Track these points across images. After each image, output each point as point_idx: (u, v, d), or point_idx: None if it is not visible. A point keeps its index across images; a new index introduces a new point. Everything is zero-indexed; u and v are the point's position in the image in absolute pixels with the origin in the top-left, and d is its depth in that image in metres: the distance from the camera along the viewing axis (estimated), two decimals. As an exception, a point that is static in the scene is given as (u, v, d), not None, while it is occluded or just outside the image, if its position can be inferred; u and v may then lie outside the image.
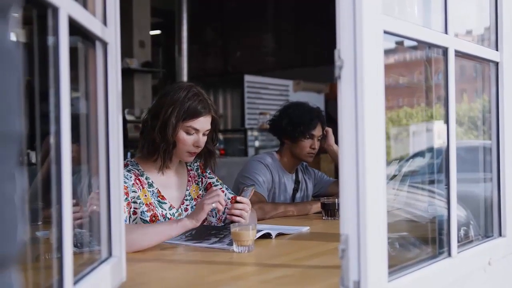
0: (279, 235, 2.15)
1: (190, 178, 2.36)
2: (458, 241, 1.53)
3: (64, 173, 1.00)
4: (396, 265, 1.31)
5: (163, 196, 2.22)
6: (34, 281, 1.17)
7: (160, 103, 2.19)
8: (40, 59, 1.02)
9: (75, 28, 1.10)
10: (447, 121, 1.51)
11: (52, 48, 1.00)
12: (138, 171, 2.20)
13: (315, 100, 6.54)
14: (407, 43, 1.54)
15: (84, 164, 1.38)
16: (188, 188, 2.34)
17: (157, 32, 10.08)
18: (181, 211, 2.27)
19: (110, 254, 1.35)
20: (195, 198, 2.34)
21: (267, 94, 8.00)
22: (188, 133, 2.18)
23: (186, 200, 2.31)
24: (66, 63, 1.01)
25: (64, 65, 1.01)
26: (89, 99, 1.36)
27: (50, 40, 1.01)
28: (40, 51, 1.03)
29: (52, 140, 0.99)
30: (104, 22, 1.33)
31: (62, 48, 1.00)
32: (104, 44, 1.33)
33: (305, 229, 2.32)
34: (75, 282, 1.08)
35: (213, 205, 1.97)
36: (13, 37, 0.59)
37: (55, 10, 0.99)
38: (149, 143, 2.19)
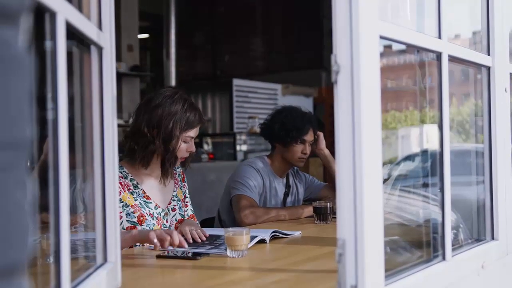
0: (274, 238, 2.16)
1: (176, 181, 2.43)
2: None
3: (61, 179, 0.99)
4: (392, 269, 1.32)
5: (148, 196, 2.27)
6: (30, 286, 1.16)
7: (155, 114, 2.20)
8: (37, 64, 1.01)
9: (71, 33, 1.10)
10: (441, 125, 1.51)
11: (50, 52, 0.99)
12: (122, 173, 2.21)
13: (304, 104, 6.54)
14: (396, 47, 1.55)
15: (78, 169, 1.37)
16: (175, 189, 2.40)
17: (145, 35, 10.06)
18: (168, 210, 2.33)
19: (105, 259, 1.34)
20: (181, 200, 2.42)
21: (256, 98, 7.99)
22: (185, 142, 2.26)
23: (174, 200, 2.38)
24: (63, 67, 1.00)
25: (62, 69, 1.00)
26: (84, 104, 1.35)
27: (47, 44, 1.00)
28: (36, 56, 1.02)
29: (50, 145, 0.98)
30: (99, 27, 1.33)
31: (60, 52, 0.99)
32: (100, 49, 1.32)
33: (298, 233, 2.33)
34: (72, 288, 1.07)
35: (155, 241, 1.88)
36: (23, 42, 0.59)
37: (53, 14, 0.98)
38: (149, 154, 2.22)
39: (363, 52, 1.15)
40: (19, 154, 0.56)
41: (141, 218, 2.18)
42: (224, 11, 9.70)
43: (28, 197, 0.57)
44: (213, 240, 2.11)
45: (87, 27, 1.19)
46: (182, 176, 2.50)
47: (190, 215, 2.45)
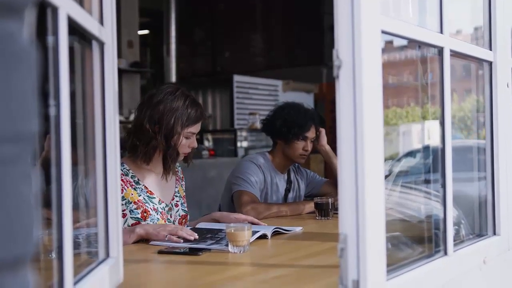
0: (275, 234, 2.16)
1: (177, 178, 2.45)
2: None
3: (64, 175, 0.99)
4: (394, 264, 1.32)
5: (151, 191, 2.28)
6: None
7: (156, 110, 2.22)
8: (39, 59, 1.01)
9: (73, 28, 1.10)
10: (442, 121, 1.51)
11: (52, 47, 0.99)
12: (122, 170, 2.22)
13: (304, 100, 6.53)
14: (397, 42, 1.55)
15: (79, 165, 1.37)
16: (176, 186, 2.42)
17: (145, 32, 10.06)
18: (172, 205, 2.35)
19: (107, 255, 1.34)
20: (182, 196, 2.44)
21: (256, 94, 7.99)
22: (186, 138, 2.27)
23: (176, 196, 2.40)
24: (65, 62, 1.00)
25: (64, 65, 1.00)
26: (86, 100, 1.35)
27: (49, 39, 1.00)
28: (38, 51, 1.02)
29: (52, 141, 0.98)
30: (101, 22, 1.32)
31: (62, 47, 0.99)
32: (101, 44, 1.32)
33: (299, 229, 2.33)
34: (75, 283, 1.07)
35: (167, 237, 2.00)
36: (28, 36, 0.59)
37: (55, 9, 0.98)
38: (151, 149, 2.24)
39: (364, 47, 1.15)
40: (24, 147, 0.56)
41: (145, 214, 2.20)
42: (224, 8, 9.69)
43: (33, 191, 0.57)
44: (214, 234, 2.11)
45: (88, 22, 1.19)
46: (182, 175, 2.52)
47: (182, 215, 2.45)
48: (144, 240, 2.13)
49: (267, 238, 2.09)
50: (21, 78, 0.56)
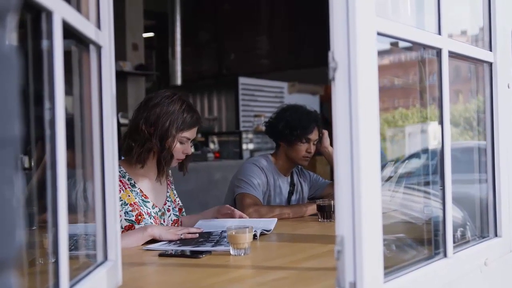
0: (261, 234, 2.19)
1: (169, 183, 2.47)
2: (454, 242, 1.53)
3: (59, 178, 0.99)
4: (392, 266, 1.31)
5: (145, 195, 2.30)
6: (30, 285, 1.17)
7: (153, 113, 2.25)
8: (34, 63, 1.02)
9: (69, 32, 1.10)
10: (441, 122, 1.51)
11: (46, 52, 1.00)
12: (120, 172, 2.23)
13: (310, 102, 6.54)
14: (401, 44, 1.55)
15: (78, 169, 1.38)
16: (168, 190, 2.44)
17: (150, 34, 10.07)
18: (164, 210, 2.37)
19: (105, 258, 1.35)
20: (173, 201, 2.45)
21: (262, 96, 7.98)
22: (181, 142, 2.29)
23: (168, 201, 2.42)
24: (60, 66, 1.01)
25: (59, 69, 1.00)
26: (83, 103, 1.36)
27: (44, 43, 1.00)
28: (33, 55, 1.03)
29: (47, 144, 0.99)
30: (98, 26, 1.33)
31: (57, 51, 1.00)
32: (98, 48, 1.33)
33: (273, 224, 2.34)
34: (71, 286, 1.08)
35: (182, 236, 2.11)
36: (10, 41, 0.59)
37: (49, 14, 0.98)
38: (145, 151, 2.25)
39: (360, 49, 1.15)
40: (8, 151, 0.56)
41: (139, 217, 2.21)
42: (229, 9, 9.69)
43: (17, 194, 0.58)
44: (207, 237, 2.11)
45: (84, 26, 1.20)
46: (172, 179, 2.54)
47: (174, 219, 2.45)
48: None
49: (256, 239, 2.09)
50: (4, 83, 0.56)
